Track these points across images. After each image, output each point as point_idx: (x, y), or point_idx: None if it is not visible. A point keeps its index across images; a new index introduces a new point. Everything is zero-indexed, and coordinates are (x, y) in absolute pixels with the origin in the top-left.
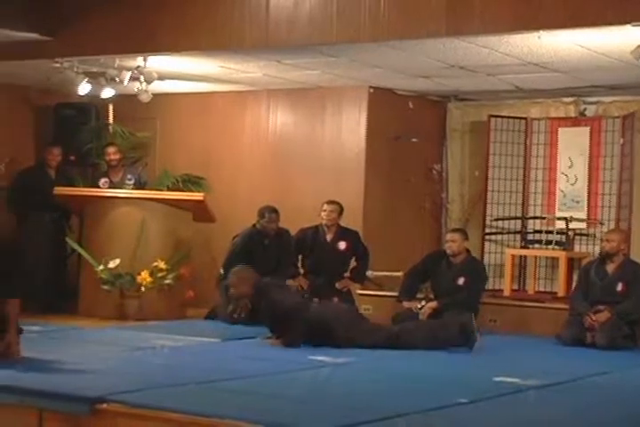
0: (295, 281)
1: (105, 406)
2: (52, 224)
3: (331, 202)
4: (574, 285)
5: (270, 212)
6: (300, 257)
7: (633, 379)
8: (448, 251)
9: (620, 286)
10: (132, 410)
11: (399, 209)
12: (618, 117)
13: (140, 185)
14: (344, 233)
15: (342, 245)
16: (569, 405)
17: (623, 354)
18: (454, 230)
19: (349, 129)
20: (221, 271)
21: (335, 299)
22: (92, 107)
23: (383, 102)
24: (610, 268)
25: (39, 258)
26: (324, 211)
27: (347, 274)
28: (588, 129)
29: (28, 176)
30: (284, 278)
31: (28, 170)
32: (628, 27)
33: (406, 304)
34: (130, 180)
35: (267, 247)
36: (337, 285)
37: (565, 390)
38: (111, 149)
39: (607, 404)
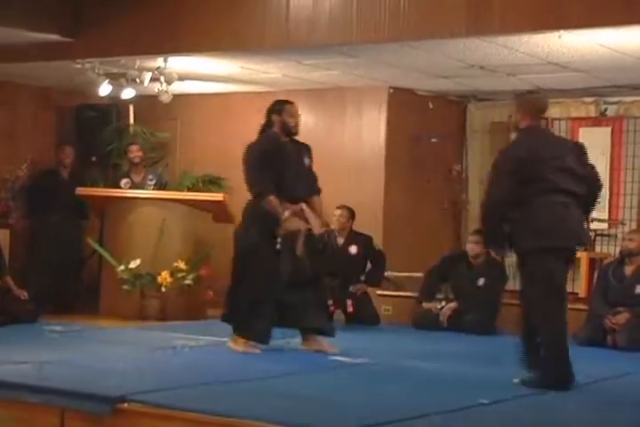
0: None
1: (126, 405)
2: (65, 224)
3: (340, 207)
4: (593, 286)
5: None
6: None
7: None
8: (470, 253)
9: (638, 289)
10: (153, 410)
11: (419, 209)
12: (639, 117)
13: (161, 186)
14: (355, 238)
15: (353, 249)
16: (590, 406)
17: None
18: (477, 232)
19: (369, 129)
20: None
21: (349, 302)
22: (113, 107)
23: (403, 102)
24: (628, 270)
25: (54, 258)
26: (334, 216)
27: (362, 277)
28: (609, 129)
29: (42, 176)
30: None
31: (44, 170)
32: None
33: (426, 305)
34: (151, 180)
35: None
36: (351, 288)
37: (586, 392)
38: (134, 147)
39: (628, 405)
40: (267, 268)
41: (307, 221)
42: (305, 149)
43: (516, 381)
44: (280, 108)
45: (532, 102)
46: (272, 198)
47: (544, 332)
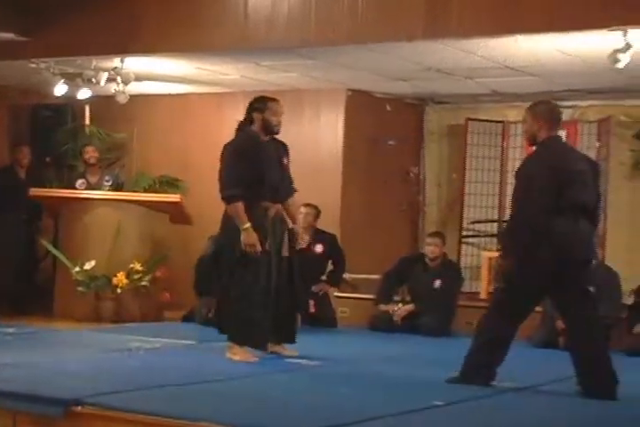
0: None
1: (79, 408)
2: (21, 225)
3: (306, 205)
4: None
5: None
6: None
7: None
8: (430, 254)
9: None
10: (107, 413)
11: (376, 212)
12: (594, 122)
13: (117, 186)
14: (321, 236)
15: (319, 248)
16: (543, 407)
17: None
18: (435, 234)
19: (327, 131)
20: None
21: (312, 302)
22: (68, 108)
23: (361, 105)
24: None
25: (7, 258)
26: (301, 214)
27: (324, 277)
28: (564, 133)
29: None
30: None
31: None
32: (605, 32)
33: (383, 307)
34: (107, 181)
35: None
36: (313, 288)
37: (540, 393)
38: (90, 148)
39: (580, 406)
40: (255, 273)
41: (293, 220)
42: (283, 148)
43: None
44: (262, 106)
45: (552, 112)
46: (238, 205)
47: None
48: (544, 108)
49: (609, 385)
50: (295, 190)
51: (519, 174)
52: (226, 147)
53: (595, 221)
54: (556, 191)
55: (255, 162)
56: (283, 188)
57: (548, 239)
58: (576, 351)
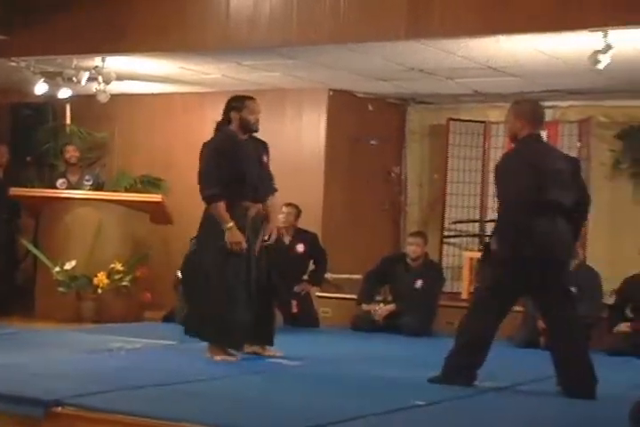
0: None
1: (60, 409)
2: (1, 225)
3: (287, 204)
4: None
5: (250, 99)
6: None
7: None
8: (411, 254)
9: (572, 291)
10: (88, 413)
11: (358, 211)
12: (574, 122)
13: (97, 186)
14: (302, 235)
15: (300, 247)
16: (525, 407)
17: None
18: (417, 234)
19: (309, 131)
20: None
21: (294, 302)
22: (49, 107)
23: (343, 105)
24: None
25: None
26: (282, 213)
27: (305, 277)
28: (544, 133)
29: None
30: None
31: None
32: (586, 33)
33: (365, 307)
34: (88, 180)
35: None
36: (295, 288)
37: (522, 393)
38: (70, 148)
39: (561, 405)
40: (236, 271)
41: (268, 220)
42: (262, 147)
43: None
44: (240, 105)
45: (534, 111)
46: (220, 205)
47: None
48: (527, 107)
49: (588, 385)
50: (275, 189)
51: (498, 171)
52: (204, 146)
53: (581, 219)
54: (535, 190)
55: (234, 161)
56: (262, 187)
57: (530, 239)
58: (556, 351)
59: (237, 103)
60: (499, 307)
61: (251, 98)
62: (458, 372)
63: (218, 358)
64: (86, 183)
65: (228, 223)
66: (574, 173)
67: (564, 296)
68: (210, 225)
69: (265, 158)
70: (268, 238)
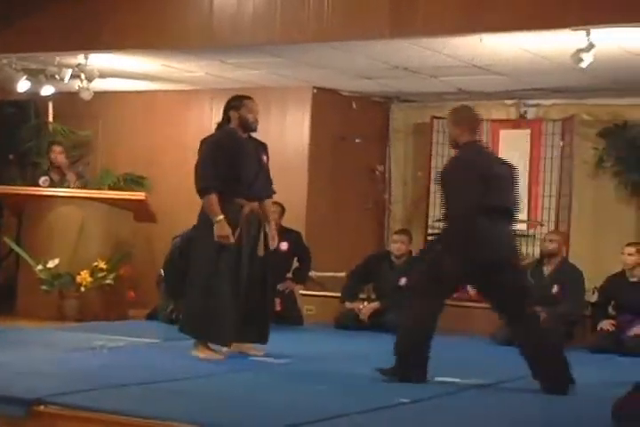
0: None
1: (42, 408)
2: None
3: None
4: None
5: (248, 98)
6: None
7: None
8: (396, 252)
9: (555, 289)
10: (70, 412)
11: (342, 209)
12: (558, 120)
13: (81, 184)
14: (286, 234)
15: (284, 245)
16: (509, 404)
17: None
18: (401, 231)
19: (293, 129)
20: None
21: (277, 300)
22: (32, 104)
23: (327, 103)
24: (546, 270)
25: None
26: None
27: (289, 275)
28: (528, 131)
29: None
30: None
31: None
32: (569, 31)
33: (349, 305)
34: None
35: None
36: (279, 286)
37: (506, 390)
38: (57, 149)
39: (542, 403)
40: (223, 267)
41: (266, 220)
42: (262, 148)
43: (437, 379)
44: (238, 104)
45: (472, 117)
46: (212, 197)
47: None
48: (465, 114)
49: (560, 381)
50: (274, 192)
51: (444, 177)
52: (204, 141)
53: (513, 223)
54: (479, 193)
55: (232, 157)
56: (258, 185)
57: (474, 240)
58: (521, 349)
59: (236, 102)
60: (442, 303)
61: (249, 97)
62: (413, 371)
63: (202, 355)
64: (70, 180)
65: (217, 216)
66: (513, 179)
67: (516, 295)
68: (203, 221)
69: (265, 158)
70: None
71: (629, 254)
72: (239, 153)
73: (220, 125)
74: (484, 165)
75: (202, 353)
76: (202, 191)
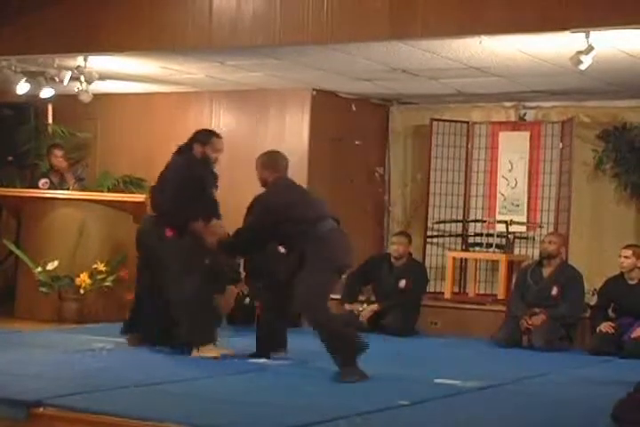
0: (237, 287)
1: (42, 410)
2: None
3: None
4: (512, 287)
5: (218, 137)
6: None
7: (570, 380)
8: (394, 253)
9: (554, 290)
10: (70, 414)
11: (342, 212)
12: (557, 122)
13: (81, 186)
14: None
15: (282, 248)
16: (509, 406)
17: (559, 355)
18: (400, 233)
19: (292, 131)
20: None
21: None
22: (31, 106)
23: (326, 105)
24: (546, 271)
25: None
26: None
27: None
28: (527, 133)
29: None
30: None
31: None
32: (568, 33)
33: (348, 307)
34: (70, 180)
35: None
36: None
37: (506, 392)
38: (58, 153)
39: (543, 405)
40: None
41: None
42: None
43: (437, 381)
44: (206, 141)
45: (273, 159)
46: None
47: None
48: (266, 158)
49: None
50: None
51: (260, 205)
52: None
53: None
54: (307, 212)
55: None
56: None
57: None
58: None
59: (205, 138)
60: None
61: (217, 135)
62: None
63: (201, 355)
64: (69, 182)
65: (211, 221)
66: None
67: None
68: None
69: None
70: None
71: (626, 257)
72: (211, 184)
73: (181, 150)
74: (296, 191)
75: (201, 353)
76: (187, 222)
